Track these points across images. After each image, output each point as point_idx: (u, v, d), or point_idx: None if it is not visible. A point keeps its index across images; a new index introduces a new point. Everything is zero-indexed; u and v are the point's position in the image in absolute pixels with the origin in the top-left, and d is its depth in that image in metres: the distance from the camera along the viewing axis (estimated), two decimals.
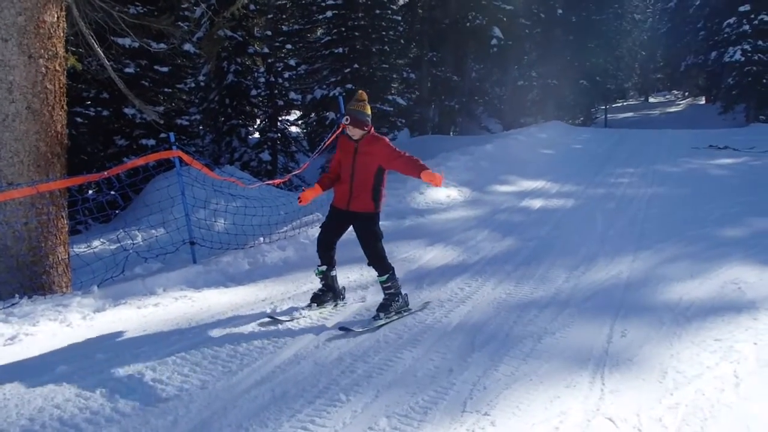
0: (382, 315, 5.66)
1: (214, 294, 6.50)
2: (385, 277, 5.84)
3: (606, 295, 6.30)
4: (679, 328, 5.40)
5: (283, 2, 24.63)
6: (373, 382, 4.44)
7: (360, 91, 5.97)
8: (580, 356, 4.87)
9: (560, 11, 29.92)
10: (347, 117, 5.71)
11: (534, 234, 8.91)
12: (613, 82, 37.85)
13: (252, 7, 18.44)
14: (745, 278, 6.67)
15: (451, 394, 4.26)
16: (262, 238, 8.24)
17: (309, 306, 5.92)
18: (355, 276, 7.03)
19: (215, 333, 5.29)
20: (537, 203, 11.00)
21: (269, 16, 21.99)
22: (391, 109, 20.19)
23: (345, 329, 5.37)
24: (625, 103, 50.26)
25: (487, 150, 15.60)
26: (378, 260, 5.86)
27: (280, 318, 5.61)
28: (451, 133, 27.49)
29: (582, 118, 33.16)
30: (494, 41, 26.30)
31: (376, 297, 6.23)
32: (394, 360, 4.81)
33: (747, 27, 29.49)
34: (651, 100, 54.19)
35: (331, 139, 9.54)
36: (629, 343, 5.13)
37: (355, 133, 5.70)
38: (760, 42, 29.28)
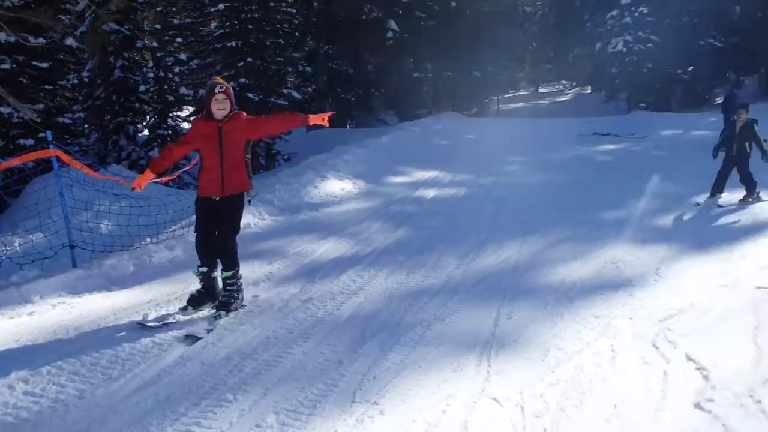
0: (223, 313, 5.51)
1: (95, 299, 6.24)
2: (232, 272, 5.69)
3: (494, 280, 6.46)
4: (561, 307, 5.60)
5: None
6: (261, 380, 4.38)
7: (215, 77, 5.74)
8: (468, 340, 4.97)
9: (454, 4, 30.32)
10: (221, 85, 5.47)
11: (427, 224, 9.02)
12: (506, 73, 38.64)
13: None
14: (622, 257, 7.00)
15: (340, 386, 4.26)
16: (149, 239, 7.99)
17: (185, 309, 5.63)
18: (245, 272, 6.91)
19: (95, 339, 5.09)
20: (430, 193, 11.15)
21: (158, 9, 21.38)
22: (287, 102, 19.97)
23: (191, 336, 5.11)
24: (516, 94, 51.45)
25: (383, 142, 15.72)
26: (230, 254, 5.69)
27: (149, 325, 5.33)
28: (348, 126, 27.49)
29: (476, 109, 33.74)
30: (390, 34, 26.44)
31: (267, 293, 6.17)
32: (284, 356, 4.76)
33: (628, 19, 30.68)
34: (541, 90, 55.71)
35: None
36: (515, 324, 5.28)
37: (225, 106, 5.45)
38: (640, 33, 30.54)
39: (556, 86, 57.27)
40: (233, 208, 5.65)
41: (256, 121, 5.67)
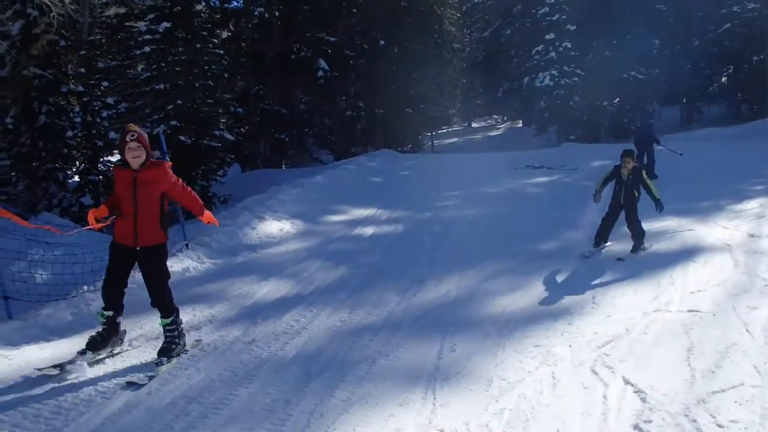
0: (165, 360, 5.39)
1: (33, 349, 6.04)
2: (170, 319, 5.60)
3: (436, 314, 6.56)
4: (502, 338, 5.73)
5: (98, 38, 23.62)
6: (209, 423, 4.36)
7: (129, 124, 5.56)
8: (412, 374, 5.04)
9: (383, 42, 30.83)
10: (133, 132, 5.30)
11: (366, 261, 9.08)
12: (437, 109, 39.32)
13: (63, 43, 17.54)
14: (559, 287, 7.18)
15: (288, 426, 4.27)
16: (85, 286, 7.82)
17: (83, 352, 5.39)
18: (186, 317, 6.81)
19: (37, 390, 4.93)
20: (369, 230, 11.22)
21: (82, 53, 21.03)
22: (220, 144, 19.87)
23: (131, 384, 5.01)
24: (449, 129, 52.32)
25: (318, 181, 15.76)
26: (164, 302, 5.59)
27: (45, 371, 5.12)
28: (283, 166, 27.47)
29: (410, 145, 34.16)
30: (320, 73, 26.68)
31: (210, 337, 6.11)
32: (230, 398, 4.74)
33: (553, 54, 31.71)
34: (474, 125, 56.77)
35: None
36: (458, 357, 5.38)
37: (140, 154, 5.30)
38: (565, 67, 31.57)
39: (488, 121, 58.44)
40: (153, 259, 5.51)
41: (176, 183, 5.54)
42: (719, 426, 3.92)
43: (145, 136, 5.40)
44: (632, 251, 8.68)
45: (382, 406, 4.49)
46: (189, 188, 5.69)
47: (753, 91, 32.05)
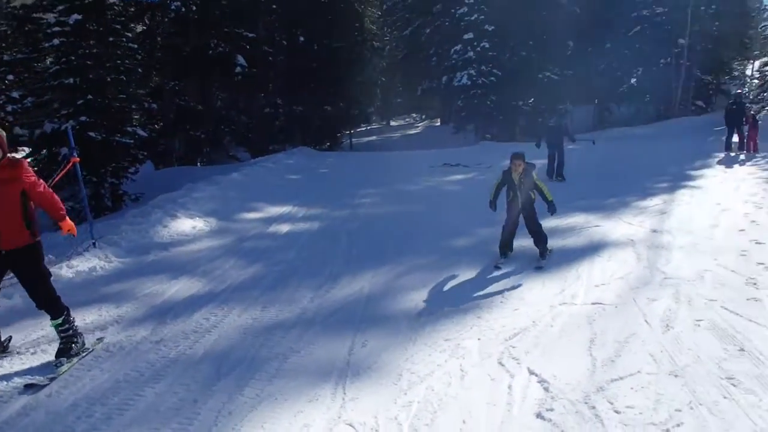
0: (64, 360, 5.25)
1: None
2: (60, 319, 5.44)
3: (348, 311, 6.58)
4: (413, 333, 5.80)
5: (3, 29, 22.62)
6: (113, 424, 4.27)
7: None
8: (323, 370, 5.05)
9: (302, 39, 30.67)
10: None
11: (281, 258, 9.02)
12: (357, 107, 39.35)
13: None
14: (470, 282, 7.32)
15: (195, 425, 4.23)
16: None
17: None
18: (91, 317, 6.63)
19: None
20: (284, 228, 11.15)
21: None
22: (132, 141, 19.32)
23: (31, 386, 4.87)
24: (368, 128, 52.39)
25: (234, 178, 15.57)
26: (49, 303, 5.42)
27: None
28: (199, 163, 26.95)
29: (329, 143, 34.13)
30: (238, 69, 26.30)
31: (116, 337, 5.97)
32: (135, 398, 4.65)
33: (471, 53, 32.20)
34: (393, 123, 57.11)
35: (60, 176, 9.00)
36: (369, 352, 5.41)
37: None
38: (483, 67, 32.10)
39: (407, 119, 58.90)
40: (24, 262, 5.30)
41: (36, 182, 5.28)
42: (616, 412, 4.08)
43: (3, 134, 5.16)
44: (540, 257, 8.22)
45: (292, 403, 4.48)
46: (50, 191, 5.45)
47: (660, 93, 33.35)
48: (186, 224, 10.82)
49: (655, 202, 11.62)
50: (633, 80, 35.00)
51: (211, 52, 25.96)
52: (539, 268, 7.82)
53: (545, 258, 8.18)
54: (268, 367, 5.15)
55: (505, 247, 8.53)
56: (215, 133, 27.48)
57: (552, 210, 8.33)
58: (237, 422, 4.22)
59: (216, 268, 8.49)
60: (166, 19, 26.00)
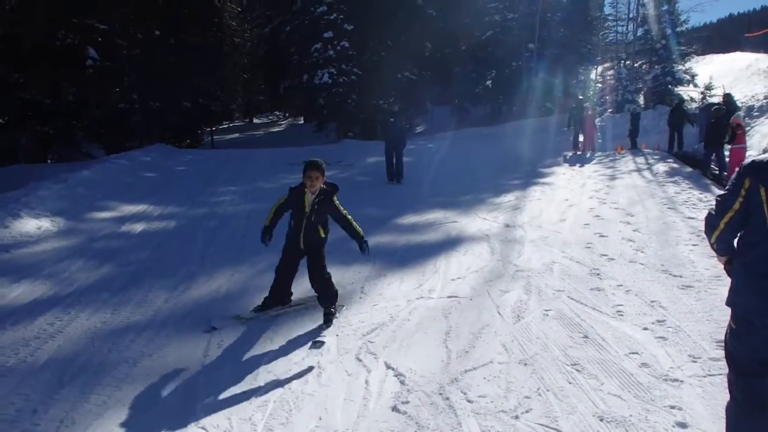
0: None
1: None
2: None
3: (205, 310, 6.39)
4: (271, 331, 5.73)
5: None
6: None
7: None
8: (176, 373, 4.88)
9: (158, 32, 29.65)
10: None
11: (134, 258, 8.65)
12: (218, 104, 38.52)
13: None
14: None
15: None
16: None
17: None
18: None
19: None
20: (138, 227, 10.71)
21: None
22: None
23: None
24: (231, 125, 51.50)
25: (84, 176, 14.78)
26: None
27: None
28: (49, 160, 25.47)
29: (189, 141, 33.22)
30: (90, 62, 25.05)
31: None
32: None
33: (332, 52, 32.33)
34: (255, 121, 56.43)
35: None
36: (226, 352, 5.29)
37: None
38: (343, 66, 32.31)
39: (270, 117, 58.41)
40: None
41: None
42: (469, 401, 4.18)
43: None
44: (325, 321, 5.86)
45: (141, 408, 4.30)
46: None
47: (512, 94, 34.84)
48: (30, 224, 10.16)
49: (508, 198, 12.09)
50: (488, 82, 36.39)
51: (59, 43, 24.56)
52: (318, 344, 5.32)
53: (330, 323, 5.85)
54: (116, 372, 4.91)
55: (276, 299, 6.22)
56: (66, 129, 26.02)
57: (365, 250, 6.06)
58: (81, 431, 4.00)
59: (63, 270, 8.01)
60: (8, 7, 24.36)
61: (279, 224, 6.19)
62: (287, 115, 55.95)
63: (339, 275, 7.41)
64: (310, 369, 4.84)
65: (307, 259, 6.10)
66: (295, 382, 4.62)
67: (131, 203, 12.77)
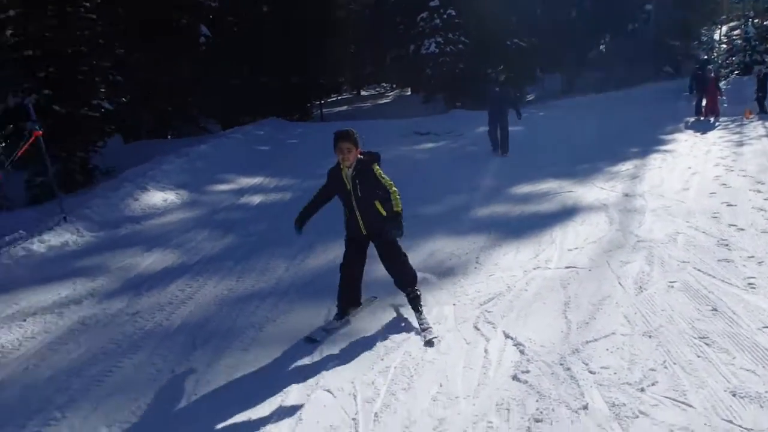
0: None
1: None
2: None
3: (323, 280, 6.55)
4: (390, 299, 5.82)
5: None
6: (91, 395, 4.28)
7: None
8: (300, 338, 5.04)
9: (266, 8, 30.25)
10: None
11: (254, 229, 8.98)
12: (326, 77, 39.00)
13: None
14: (444, 249, 7.34)
15: (174, 393, 4.24)
16: None
17: None
18: (66, 291, 6.55)
19: None
20: (256, 199, 11.08)
21: None
22: (98, 114, 18.95)
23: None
24: (339, 98, 52.10)
25: (203, 150, 15.38)
26: None
27: None
28: (169, 136, 26.62)
29: (298, 114, 33.83)
30: (203, 39, 25.91)
31: (92, 310, 5.92)
32: (114, 370, 4.66)
33: (438, 21, 32.01)
34: (363, 93, 56.79)
35: (22, 150, 8.84)
36: (344, 320, 5.41)
37: None
38: (450, 35, 31.95)
39: (377, 89, 58.62)
40: None
41: None
42: (591, 372, 4.13)
43: None
44: (413, 308, 5.37)
45: (269, 371, 4.50)
46: None
47: (627, 59, 33.46)
48: (157, 197, 10.72)
49: (627, 167, 11.73)
50: (602, 47, 35.15)
51: (174, 23, 25.49)
52: (431, 342, 4.84)
53: (419, 308, 5.35)
54: (244, 336, 5.16)
55: (347, 300, 5.48)
56: (183, 106, 27.10)
57: (395, 231, 5.33)
58: (215, 390, 4.24)
59: (189, 240, 8.44)
60: None
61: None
62: (394, 86, 55.98)
63: (453, 245, 7.47)
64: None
65: (376, 243, 5.46)
66: (414, 349, 4.71)
67: (248, 176, 13.20)
